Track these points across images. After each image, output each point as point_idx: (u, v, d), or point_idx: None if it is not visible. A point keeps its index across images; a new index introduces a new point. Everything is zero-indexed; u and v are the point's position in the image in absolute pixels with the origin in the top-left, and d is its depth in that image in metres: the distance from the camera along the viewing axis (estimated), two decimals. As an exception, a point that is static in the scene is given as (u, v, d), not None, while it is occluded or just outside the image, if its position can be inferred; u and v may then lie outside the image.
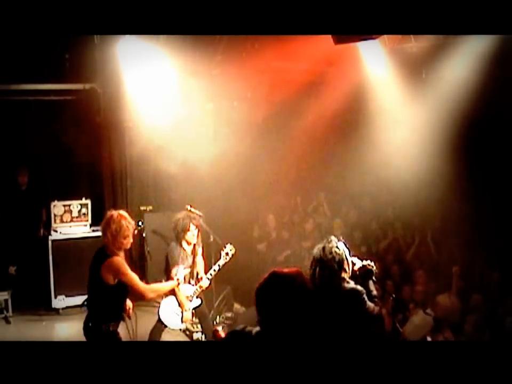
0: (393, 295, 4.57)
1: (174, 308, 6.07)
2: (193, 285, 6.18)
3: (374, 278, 4.60)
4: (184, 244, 6.14)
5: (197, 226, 6.13)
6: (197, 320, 6.63)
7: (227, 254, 6.15)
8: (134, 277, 4.50)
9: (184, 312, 6.03)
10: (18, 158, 8.33)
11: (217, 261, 6.22)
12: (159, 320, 6.00)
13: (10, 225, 8.13)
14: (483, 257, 6.45)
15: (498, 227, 6.67)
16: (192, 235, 6.09)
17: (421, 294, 6.09)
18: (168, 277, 6.13)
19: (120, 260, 4.51)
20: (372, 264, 4.34)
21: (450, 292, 5.87)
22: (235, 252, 6.19)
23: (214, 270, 6.19)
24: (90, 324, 4.54)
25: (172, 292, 6.03)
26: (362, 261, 4.37)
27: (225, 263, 6.18)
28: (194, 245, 6.21)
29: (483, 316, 5.36)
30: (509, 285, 5.74)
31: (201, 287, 6.15)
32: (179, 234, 6.12)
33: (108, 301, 4.51)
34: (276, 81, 8.19)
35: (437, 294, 5.93)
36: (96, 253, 4.63)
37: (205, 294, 7.35)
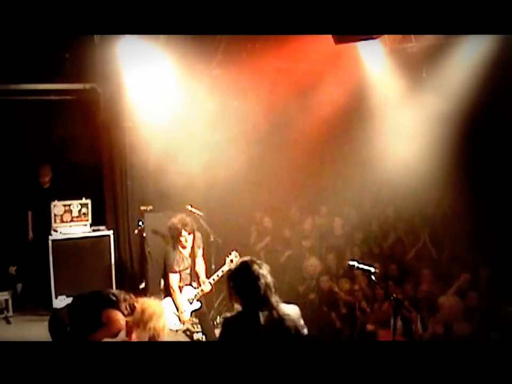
0: (394, 295, 4.55)
1: (173, 309, 6.07)
2: (195, 288, 6.18)
3: (374, 278, 4.61)
4: (179, 247, 6.15)
5: (190, 232, 6.10)
6: (197, 320, 6.64)
7: (231, 261, 6.15)
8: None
9: (181, 314, 6.03)
10: (19, 158, 8.32)
11: (221, 266, 6.22)
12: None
13: (10, 225, 8.14)
14: (483, 256, 6.44)
15: (499, 226, 6.67)
16: (184, 240, 6.08)
17: (425, 293, 6.08)
18: (165, 281, 6.14)
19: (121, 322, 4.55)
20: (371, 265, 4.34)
21: (450, 292, 5.86)
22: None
23: (217, 276, 6.20)
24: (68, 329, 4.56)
25: (171, 293, 6.04)
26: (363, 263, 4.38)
27: (229, 269, 6.18)
28: (192, 246, 6.21)
29: (481, 317, 5.36)
30: (505, 285, 5.74)
31: (203, 291, 6.16)
32: (172, 238, 6.13)
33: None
34: (276, 81, 8.18)
35: (438, 295, 5.90)
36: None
37: (205, 294, 7.36)
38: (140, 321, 4.60)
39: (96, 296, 4.76)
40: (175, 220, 6.13)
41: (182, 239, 6.06)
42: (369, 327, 6.33)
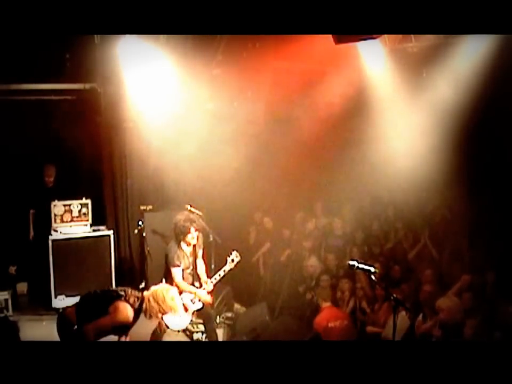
0: (394, 295, 4.56)
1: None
2: (197, 288, 6.19)
3: (374, 277, 4.61)
4: (183, 244, 6.14)
5: (197, 229, 6.12)
6: (199, 321, 6.65)
7: (233, 260, 6.17)
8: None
9: (182, 315, 6.05)
10: (19, 157, 8.32)
11: (222, 266, 6.23)
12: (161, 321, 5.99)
13: (11, 224, 8.15)
14: (483, 257, 6.44)
15: (499, 227, 6.67)
16: (192, 237, 6.09)
17: (427, 294, 6.06)
18: (167, 278, 6.14)
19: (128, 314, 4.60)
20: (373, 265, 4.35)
21: (450, 293, 5.83)
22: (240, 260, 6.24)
23: (219, 275, 6.22)
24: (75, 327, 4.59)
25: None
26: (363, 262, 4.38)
27: (230, 269, 6.20)
28: (194, 246, 6.22)
29: (482, 318, 5.35)
30: (506, 286, 5.73)
31: (205, 290, 6.17)
32: (179, 235, 6.12)
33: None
34: (276, 81, 8.19)
35: (438, 296, 5.86)
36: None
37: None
38: (152, 308, 4.68)
39: (104, 292, 4.85)
40: (181, 217, 6.12)
41: (190, 236, 6.07)
42: (369, 328, 6.34)
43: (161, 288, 4.81)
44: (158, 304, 4.66)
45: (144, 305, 4.67)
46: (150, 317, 4.72)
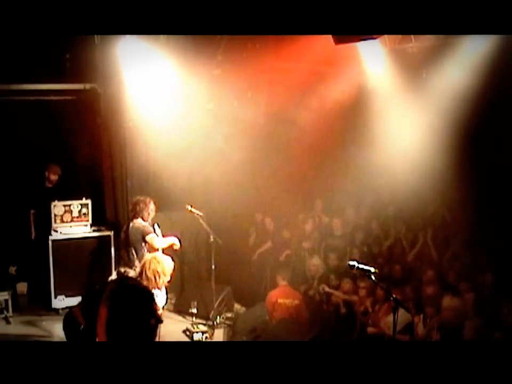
0: (394, 295, 4.56)
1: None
2: None
3: (374, 278, 4.61)
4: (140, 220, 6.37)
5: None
6: (198, 321, 6.64)
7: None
8: None
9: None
10: (19, 158, 8.32)
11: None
12: None
13: (11, 224, 8.15)
14: (483, 258, 6.44)
15: (499, 228, 6.67)
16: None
17: (431, 295, 6.03)
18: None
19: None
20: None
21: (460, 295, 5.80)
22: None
23: None
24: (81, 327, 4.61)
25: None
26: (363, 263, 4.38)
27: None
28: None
29: (482, 318, 5.34)
30: (505, 286, 5.73)
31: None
32: (142, 211, 6.41)
33: None
34: (276, 81, 8.19)
35: (440, 297, 5.84)
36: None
37: (205, 295, 7.36)
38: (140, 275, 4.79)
39: (105, 285, 4.88)
40: (140, 197, 6.58)
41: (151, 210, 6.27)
42: (370, 329, 6.33)
43: (153, 257, 4.95)
44: (156, 271, 4.77)
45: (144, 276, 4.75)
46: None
